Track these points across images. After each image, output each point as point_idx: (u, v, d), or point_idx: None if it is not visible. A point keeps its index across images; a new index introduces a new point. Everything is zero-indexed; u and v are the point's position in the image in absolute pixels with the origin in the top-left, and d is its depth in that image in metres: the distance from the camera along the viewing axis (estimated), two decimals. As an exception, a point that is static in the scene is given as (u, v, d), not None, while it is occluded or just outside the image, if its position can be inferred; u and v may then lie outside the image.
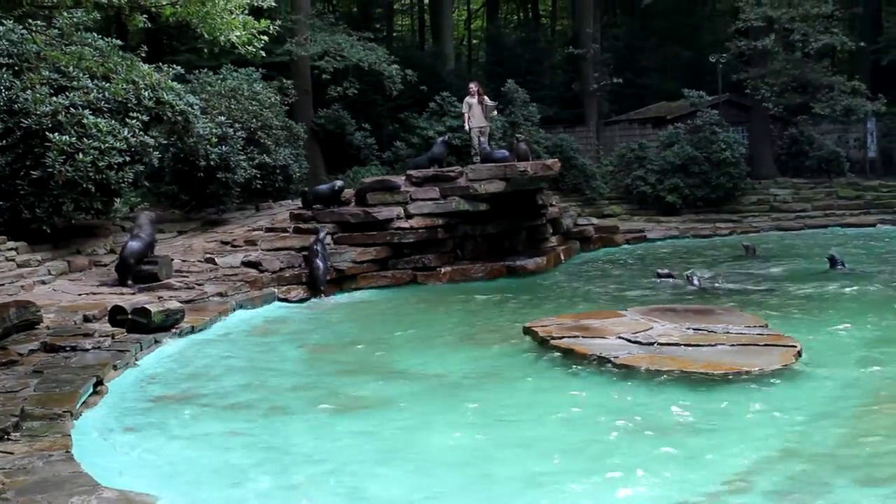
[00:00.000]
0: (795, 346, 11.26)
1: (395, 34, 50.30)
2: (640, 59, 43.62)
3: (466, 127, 23.85)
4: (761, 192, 33.17)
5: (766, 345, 11.49)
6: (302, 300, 17.84)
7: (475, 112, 23.52)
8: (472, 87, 24.18)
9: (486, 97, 24.08)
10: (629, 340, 11.84)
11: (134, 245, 16.57)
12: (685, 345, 11.57)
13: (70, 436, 8.27)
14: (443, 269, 20.32)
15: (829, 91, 32.52)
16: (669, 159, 31.68)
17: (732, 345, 11.53)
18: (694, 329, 12.45)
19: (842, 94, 32.21)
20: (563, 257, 23.34)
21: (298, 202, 23.38)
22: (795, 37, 32.17)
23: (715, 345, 11.55)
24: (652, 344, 11.64)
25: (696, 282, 18.60)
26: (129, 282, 16.15)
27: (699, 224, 30.51)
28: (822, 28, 32.07)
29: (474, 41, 55.03)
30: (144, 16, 14.77)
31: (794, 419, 8.98)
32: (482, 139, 23.48)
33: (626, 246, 27.08)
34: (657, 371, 10.45)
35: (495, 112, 24.34)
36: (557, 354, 11.71)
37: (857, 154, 36.69)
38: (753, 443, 8.36)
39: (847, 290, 17.41)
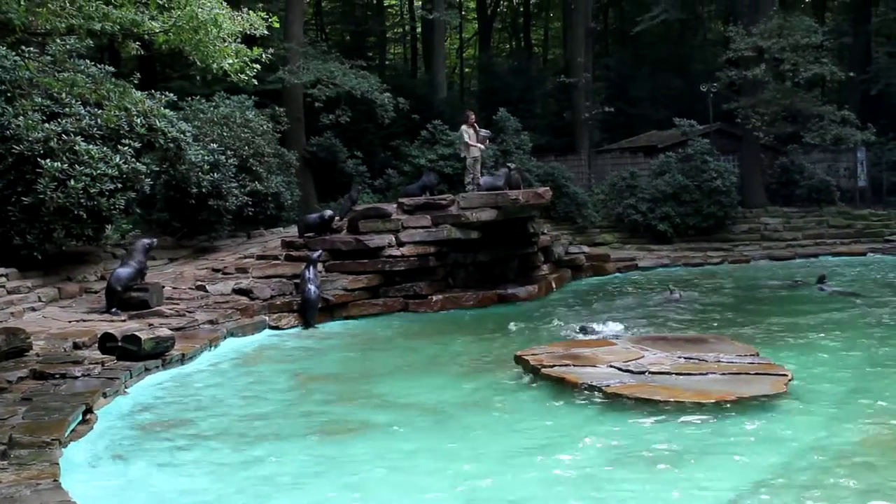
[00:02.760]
0: (786, 375, 11.29)
1: (387, 62, 50.52)
2: (632, 89, 43.85)
3: (473, 154, 23.57)
4: (752, 221, 33.29)
5: (756, 373, 11.49)
6: (293, 328, 17.80)
7: (472, 139, 23.41)
8: (472, 115, 24.13)
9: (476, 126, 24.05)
10: (620, 369, 11.82)
11: (121, 272, 16.57)
12: (676, 373, 11.56)
13: (58, 464, 8.23)
14: (434, 298, 20.29)
15: (820, 120, 32.66)
16: (661, 188, 31.77)
17: (723, 373, 11.52)
18: (685, 358, 12.44)
19: (832, 123, 32.35)
20: (554, 286, 23.34)
21: (290, 230, 23.40)
22: (786, 67, 32.36)
23: (706, 373, 11.53)
24: (643, 373, 11.62)
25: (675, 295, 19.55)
26: (114, 308, 16.11)
27: (690, 252, 30.54)
28: (812, 58, 32.25)
29: (466, 70, 55.28)
30: (137, 43, 14.81)
31: (786, 448, 8.96)
32: (476, 167, 23.45)
33: (617, 274, 27.10)
34: (648, 400, 10.43)
35: (487, 141, 24.35)
36: (548, 383, 11.69)
37: (847, 183, 36.89)
38: (745, 471, 8.34)
39: (837, 314, 17.51)
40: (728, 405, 10.17)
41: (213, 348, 15.03)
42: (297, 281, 18.85)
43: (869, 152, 36.64)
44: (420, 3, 37.97)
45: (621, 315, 18.63)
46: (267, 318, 17.67)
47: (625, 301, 21.44)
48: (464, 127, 23.68)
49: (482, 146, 23.89)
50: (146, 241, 18.09)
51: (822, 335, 15.45)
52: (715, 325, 17.13)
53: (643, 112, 42.85)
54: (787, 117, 33.74)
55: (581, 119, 37.49)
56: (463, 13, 50.50)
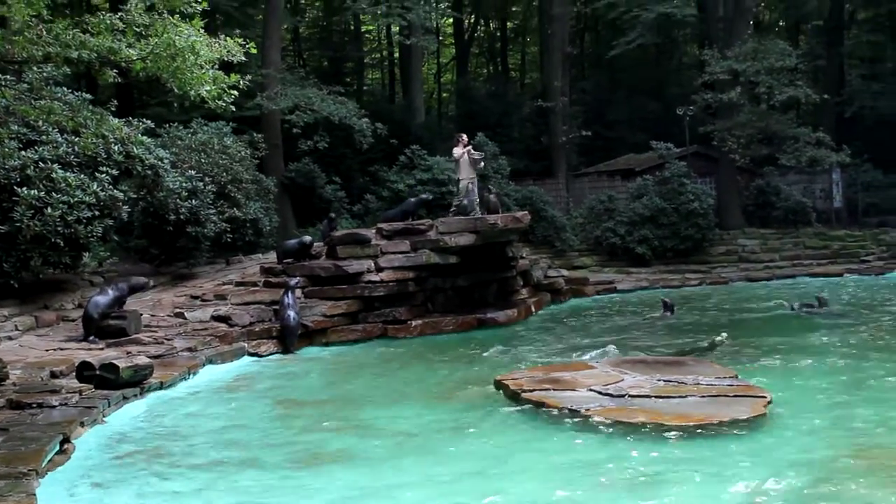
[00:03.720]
0: (765, 397, 11.33)
1: (365, 88, 50.63)
2: (609, 112, 44.10)
3: (466, 175, 23.39)
4: (729, 243, 33.47)
5: (736, 395, 11.52)
6: (273, 354, 17.72)
7: (464, 162, 23.29)
8: (464, 137, 24.05)
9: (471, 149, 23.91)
10: (600, 393, 11.82)
11: (98, 299, 16.48)
12: (656, 396, 11.58)
13: (35, 495, 8.16)
14: (413, 323, 20.25)
15: (795, 142, 32.91)
16: (638, 211, 31.92)
17: (703, 396, 11.55)
18: (664, 381, 12.45)
19: (807, 145, 32.61)
20: (533, 309, 23.36)
21: (269, 256, 23.36)
22: (761, 89, 32.64)
23: (685, 396, 11.56)
24: (623, 396, 11.64)
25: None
26: (92, 337, 16.00)
27: (669, 275, 30.66)
28: (786, 81, 32.56)
29: (444, 94, 55.47)
30: (115, 71, 14.77)
31: (765, 470, 8.96)
32: (472, 188, 23.22)
33: (596, 297, 27.17)
34: (628, 423, 10.43)
35: (482, 164, 24.23)
36: (528, 407, 11.68)
37: (823, 204, 37.17)
38: (726, 494, 8.35)
39: (820, 335, 17.65)
40: (708, 428, 10.19)
41: (191, 376, 14.94)
42: (277, 307, 18.79)
43: (844, 174, 36.93)
44: (397, 28, 38.05)
45: (613, 337, 18.70)
46: (246, 344, 17.59)
47: (617, 322, 21.66)
48: (456, 150, 23.43)
49: (478, 166, 23.69)
50: (143, 280, 18.03)
51: (803, 356, 15.51)
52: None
53: (620, 135, 43.09)
54: (762, 139, 33.97)
55: (558, 143, 37.64)
56: (440, 38, 50.64)
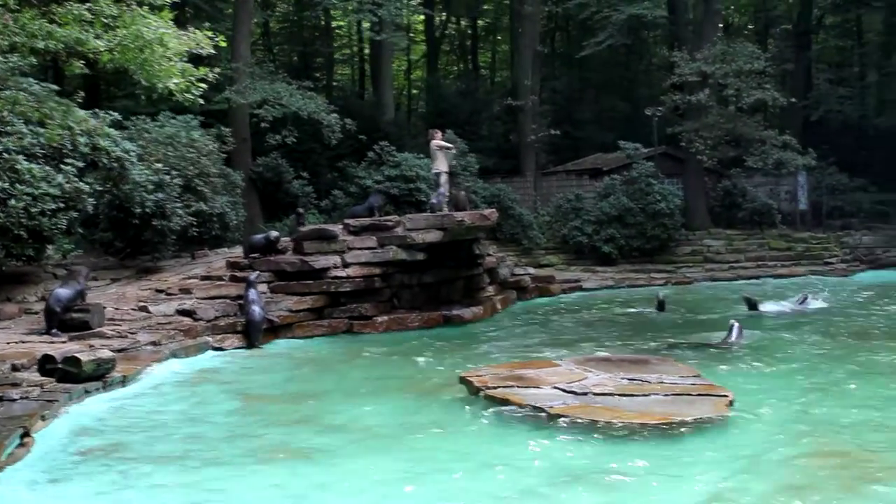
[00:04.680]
0: (727, 396, 11.39)
1: (334, 83, 50.47)
2: (578, 112, 44.29)
3: (444, 168, 23.39)
4: (695, 243, 33.70)
5: (698, 394, 11.58)
6: (237, 349, 17.65)
7: (441, 156, 23.31)
8: (438, 132, 24.09)
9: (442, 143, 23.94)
10: (564, 390, 11.84)
11: (61, 292, 16.31)
12: (619, 394, 11.61)
13: (-7, 489, 8.09)
14: (379, 319, 20.25)
15: (762, 145, 33.19)
16: (605, 210, 32.08)
17: (666, 394, 11.60)
18: (628, 379, 12.50)
19: (773, 147, 32.90)
20: (499, 307, 23.43)
21: (235, 250, 23.28)
22: (729, 92, 32.90)
23: (649, 394, 11.60)
24: (586, 394, 11.66)
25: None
26: (54, 330, 15.86)
27: (634, 274, 30.83)
28: (754, 84, 32.82)
29: (414, 91, 55.40)
30: (82, 62, 14.66)
31: (727, 469, 9.03)
32: (446, 184, 23.25)
33: (562, 296, 27.26)
34: (591, 421, 10.46)
35: (454, 161, 24.25)
36: (492, 404, 11.69)
37: (788, 207, 37.52)
38: (687, 492, 8.40)
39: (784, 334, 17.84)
40: (670, 426, 10.25)
41: (155, 370, 14.85)
42: (242, 302, 18.72)
43: (809, 177, 37.29)
44: (368, 24, 37.92)
45: (581, 334, 18.76)
46: (210, 339, 17.51)
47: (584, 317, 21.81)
48: (437, 143, 23.44)
49: (449, 163, 23.72)
50: (86, 270, 17.82)
51: (765, 355, 15.65)
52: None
53: (589, 135, 43.24)
54: (729, 141, 34.23)
55: (527, 141, 37.70)
56: (411, 35, 50.59)
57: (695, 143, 33.02)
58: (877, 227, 36.60)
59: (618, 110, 45.22)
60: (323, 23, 48.31)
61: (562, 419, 10.65)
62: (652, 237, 32.13)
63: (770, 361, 15.26)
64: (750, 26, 52.63)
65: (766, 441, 10.10)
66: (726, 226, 35.40)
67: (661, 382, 12.28)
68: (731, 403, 11.16)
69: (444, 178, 23.18)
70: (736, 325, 17.79)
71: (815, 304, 23.03)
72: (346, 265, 20.49)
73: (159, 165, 22.05)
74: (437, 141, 23.51)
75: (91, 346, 14.78)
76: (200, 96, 14.42)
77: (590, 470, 9.09)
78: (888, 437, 10.12)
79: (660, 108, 34.51)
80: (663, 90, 35.86)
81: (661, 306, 22.78)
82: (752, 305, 22.05)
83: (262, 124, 30.06)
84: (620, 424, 10.30)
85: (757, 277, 30.95)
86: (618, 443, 9.90)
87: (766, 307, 22.31)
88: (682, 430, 10.22)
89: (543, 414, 10.89)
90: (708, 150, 32.99)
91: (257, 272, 19.61)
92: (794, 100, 35.75)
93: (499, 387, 12.17)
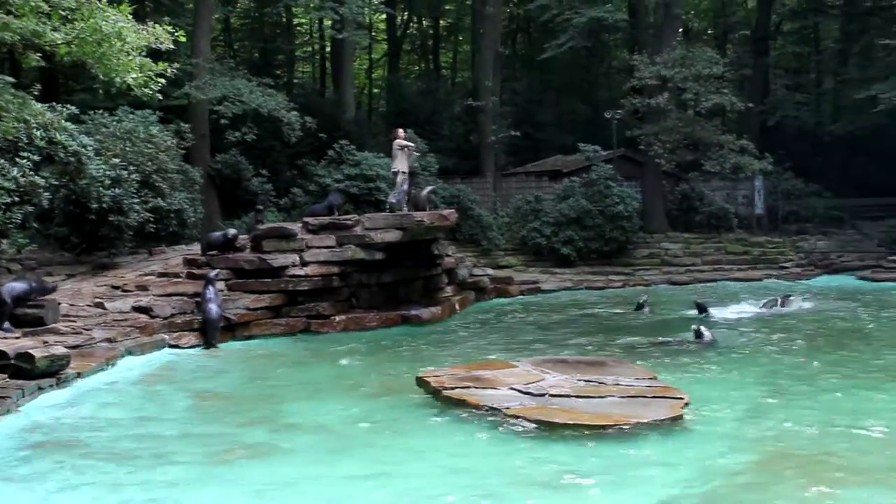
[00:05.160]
0: (683, 398, 11.47)
1: (295, 81, 50.25)
2: (538, 113, 44.39)
3: (403, 168, 23.41)
4: (653, 246, 33.88)
5: (654, 396, 11.65)
6: (193, 347, 17.53)
7: (401, 155, 23.30)
8: (400, 131, 24.11)
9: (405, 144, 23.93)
10: (521, 391, 11.87)
11: (14, 285, 16.06)
12: (576, 396, 11.65)
13: (-58, 486, 7.98)
14: (337, 318, 20.18)
15: (719, 149, 33.41)
16: (564, 212, 32.17)
17: (622, 396, 11.66)
18: (585, 381, 12.54)
19: (731, 152, 33.14)
20: (458, 307, 23.45)
21: (193, 247, 23.13)
22: (688, 96, 33.18)
23: (605, 396, 11.66)
24: (543, 395, 11.69)
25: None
26: (6, 324, 15.62)
27: (592, 276, 30.96)
28: (713, 88, 33.09)
29: (375, 90, 55.32)
30: (39, 54, 14.54)
31: (680, 471, 9.09)
32: (405, 184, 23.28)
33: (520, 297, 27.33)
34: (547, 422, 10.49)
35: (417, 164, 24.27)
36: (449, 405, 11.69)
37: (745, 211, 37.81)
38: (642, 494, 8.44)
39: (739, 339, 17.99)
40: (626, 427, 10.30)
41: (110, 367, 14.71)
42: (199, 300, 18.60)
43: (766, 181, 37.59)
44: (329, 22, 37.81)
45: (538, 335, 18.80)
46: (167, 336, 17.39)
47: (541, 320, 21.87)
48: (400, 142, 23.45)
49: (411, 164, 23.73)
50: (49, 285, 17.46)
51: (721, 359, 15.78)
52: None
53: (549, 137, 43.38)
54: (688, 145, 34.42)
55: (487, 142, 37.75)
56: (372, 34, 50.51)
57: (653, 146, 33.20)
58: (831, 232, 37.00)
59: (578, 112, 45.42)
60: (284, 20, 48.14)
61: (518, 420, 10.67)
62: (610, 239, 32.29)
63: (728, 364, 15.39)
64: (709, 31, 53.08)
65: (720, 443, 10.18)
66: (684, 229, 35.62)
67: (618, 384, 12.34)
68: (686, 405, 11.24)
69: (401, 178, 23.19)
70: (702, 328, 18.04)
71: (805, 305, 23.75)
72: (304, 264, 20.41)
73: (117, 160, 21.87)
74: (400, 140, 23.52)
75: (45, 342, 14.58)
76: (159, 91, 14.37)
77: (545, 471, 9.11)
78: (842, 440, 10.20)
79: (619, 112, 34.69)
80: (623, 93, 35.98)
81: (639, 307, 23.17)
82: (702, 309, 22.30)
83: (222, 121, 29.86)
84: (577, 426, 10.33)
85: (714, 281, 31.18)
86: (574, 444, 9.93)
87: (723, 312, 22.49)
88: (638, 432, 10.27)
89: (500, 415, 10.91)
90: (666, 153, 33.17)
91: (217, 270, 19.50)
92: (751, 105, 36.12)
93: (456, 387, 12.19)
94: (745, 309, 23.37)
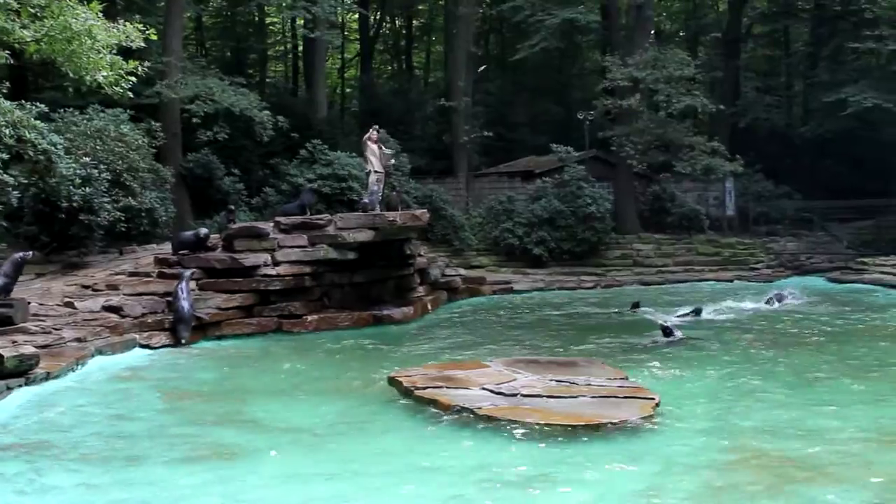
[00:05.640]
0: (653, 399, 11.52)
1: (268, 80, 50.12)
2: (511, 114, 44.48)
3: (376, 168, 23.44)
4: (625, 247, 33.99)
5: (625, 397, 11.70)
6: (165, 346, 17.43)
7: (372, 156, 23.32)
8: (375, 133, 24.10)
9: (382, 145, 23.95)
10: (492, 391, 11.89)
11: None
12: (548, 396, 11.68)
13: None
14: (309, 318, 20.14)
15: (691, 151, 33.58)
16: (537, 213, 32.24)
17: (594, 396, 11.70)
18: (557, 381, 12.58)
19: (702, 154, 33.31)
20: (430, 307, 23.45)
21: (164, 246, 23.01)
22: (659, 98, 33.32)
23: (577, 396, 11.69)
24: (515, 395, 11.71)
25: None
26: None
27: (564, 277, 31.03)
28: (684, 90, 33.28)
29: (348, 90, 55.24)
30: (7, 52, 14.41)
31: (652, 470, 9.12)
32: (378, 184, 23.31)
33: (493, 297, 27.37)
34: (519, 422, 10.50)
35: (392, 161, 24.29)
36: (421, 405, 11.69)
37: (716, 212, 38.01)
38: (611, 493, 8.46)
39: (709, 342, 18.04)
40: (597, 427, 10.32)
41: (80, 367, 14.59)
42: (170, 299, 18.51)
43: (737, 183, 37.80)
44: (302, 21, 37.69)
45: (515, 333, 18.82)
46: (137, 336, 17.30)
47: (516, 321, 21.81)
48: (370, 143, 23.47)
49: (387, 163, 23.73)
50: (19, 255, 17.36)
51: (692, 360, 15.84)
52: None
53: (522, 137, 43.45)
54: (659, 146, 34.59)
55: (460, 142, 37.77)
56: (345, 34, 50.44)
57: (625, 147, 33.33)
58: (801, 233, 37.26)
59: (550, 113, 45.51)
60: (256, 19, 48.01)
61: (490, 420, 10.68)
62: (582, 240, 32.38)
63: (700, 364, 15.46)
64: (681, 34, 53.28)
65: (690, 443, 10.21)
66: (655, 230, 35.76)
67: (589, 385, 12.38)
68: (657, 406, 11.28)
69: (373, 178, 23.22)
70: (671, 327, 18.17)
71: (795, 302, 24.27)
72: (276, 263, 20.37)
73: (87, 159, 21.73)
74: (371, 142, 23.54)
75: (14, 341, 14.46)
76: (130, 90, 14.28)
77: (515, 470, 9.11)
78: (809, 440, 10.26)
79: (591, 113, 34.84)
80: (595, 94, 36.13)
81: (635, 305, 23.47)
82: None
83: (194, 120, 29.70)
84: (549, 426, 10.35)
85: (685, 281, 31.34)
86: (544, 444, 9.94)
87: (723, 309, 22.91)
88: (609, 431, 10.30)
89: (472, 415, 10.91)
90: (638, 154, 33.33)
91: (192, 269, 19.41)
92: (722, 107, 36.33)
93: (428, 387, 12.19)
94: (746, 305, 23.91)
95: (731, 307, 23.45)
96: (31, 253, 18.01)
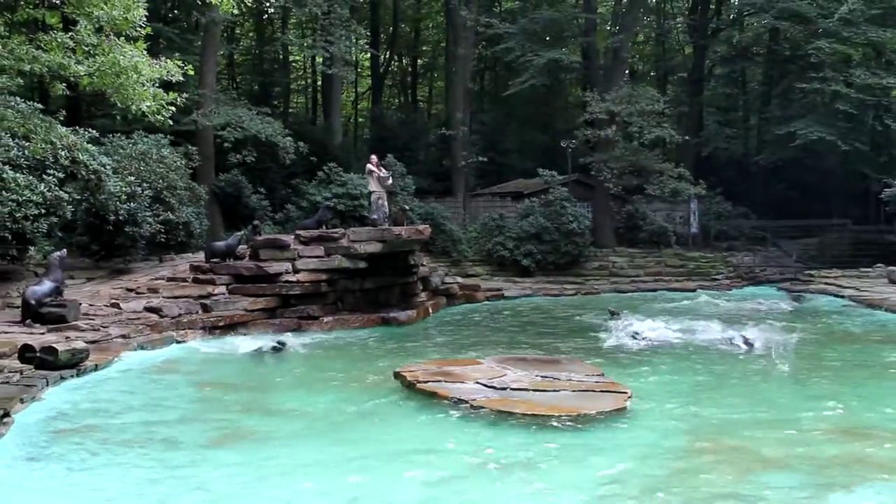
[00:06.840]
0: (626, 392, 11.54)
1: (290, 110, 50.15)
2: (503, 141, 44.43)
3: (374, 188, 23.49)
4: (602, 259, 33.95)
5: (602, 391, 11.72)
6: (199, 342, 17.41)
7: (374, 178, 23.37)
8: (374, 158, 24.15)
9: (381, 169, 23.94)
10: (485, 385, 11.93)
11: (36, 288, 16.04)
12: (533, 390, 11.70)
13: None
14: (325, 319, 20.15)
15: (660, 175, 33.59)
16: (525, 228, 32.24)
17: (574, 390, 11.73)
18: (541, 376, 12.61)
19: (670, 178, 33.34)
20: (431, 311, 23.44)
21: (198, 255, 23.03)
22: (633, 129, 33.32)
23: (559, 390, 11.71)
24: (505, 389, 11.75)
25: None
26: (28, 321, 15.53)
27: (549, 285, 31.00)
28: (655, 123, 33.31)
29: (360, 119, 55.27)
30: (64, 84, 14.45)
31: (624, 456, 9.12)
32: (381, 203, 23.35)
33: (486, 302, 27.37)
34: (508, 412, 10.54)
35: (390, 181, 24.34)
36: (423, 397, 11.72)
37: (682, 229, 38.03)
38: (588, 475, 8.48)
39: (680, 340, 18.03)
40: (576, 418, 10.34)
41: (124, 360, 14.62)
42: (204, 301, 18.50)
43: (700, 204, 37.83)
44: (321, 59, 37.73)
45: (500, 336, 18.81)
46: (174, 333, 17.30)
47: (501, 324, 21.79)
48: (369, 167, 23.54)
49: (385, 184, 23.75)
50: (57, 254, 17.33)
51: (663, 359, 15.83)
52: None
53: (512, 162, 43.44)
54: (633, 171, 34.56)
55: (458, 166, 37.75)
56: (358, 70, 50.50)
57: (603, 172, 33.35)
58: (756, 248, 37.28)
59: (537, 141, 45.46)
60: (281, 57, 48.11)
61: (483, 411, 10.71)
62: (565, 253, 32.35)
63: (670, 361, 15.45)
64: (652, 73, 53.46)
65: (660, 433, 10.21)
66: (629, 245, 35.77)
67: (570, 380, 12.41)
68: (629, 398, 11.31)
69: (374, 197, 23.32)
70: (638, 330, 18.15)
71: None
72: (296, 271, 20.39)
73: (132, 178, 21.77)
74: (370, 165, 23.60)
75: (67, 337, 14.52)
76: (170, 118, 14.30)
77: (504, 454, 9.14)
78: (772, 432, 10.23)
79: (573, 141, 34.82)
80: (577, 125, 36.12)
81: (616, 314, 22.70)
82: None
83: (225, 144, 29.75)
84: (533, 416, 10.38)
85: (654, 290, 31.32)
86: (530, 432, 9.96)
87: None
88: (587, 421, 10.33)
89: (467, 405, 10.95)
90: (614, 178, 33.37)
91: (63, 251, 17.66)
92: (687, 137, 36.40)
93: (429, 381, 12.21)
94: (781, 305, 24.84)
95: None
96: (64, 250, 17.91)
